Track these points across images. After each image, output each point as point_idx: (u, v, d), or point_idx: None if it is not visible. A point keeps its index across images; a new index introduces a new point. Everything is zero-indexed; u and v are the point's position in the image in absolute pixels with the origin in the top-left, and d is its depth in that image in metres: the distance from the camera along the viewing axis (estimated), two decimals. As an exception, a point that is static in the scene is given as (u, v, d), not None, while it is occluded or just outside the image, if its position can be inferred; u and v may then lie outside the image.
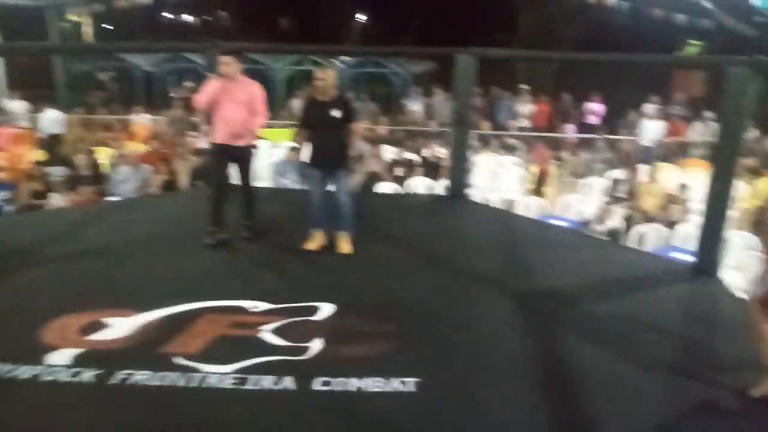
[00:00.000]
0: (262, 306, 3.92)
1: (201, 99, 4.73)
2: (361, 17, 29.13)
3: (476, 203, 6.79)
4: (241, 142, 4.76)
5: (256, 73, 17.17)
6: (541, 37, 18.71)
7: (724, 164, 4.48)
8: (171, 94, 15.43)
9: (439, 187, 7.97)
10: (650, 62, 8.28)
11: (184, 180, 8.48)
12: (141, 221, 5.68)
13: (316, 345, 3.46)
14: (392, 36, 26.24)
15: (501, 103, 12.55)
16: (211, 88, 4.68)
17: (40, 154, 8.63)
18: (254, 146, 4.92)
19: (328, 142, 4.68)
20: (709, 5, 12.46)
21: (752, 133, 9.75)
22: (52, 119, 11.16)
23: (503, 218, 6.26)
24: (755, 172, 8.10)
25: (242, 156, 4.83)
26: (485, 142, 10.41)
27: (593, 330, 3.76)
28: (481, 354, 3.46)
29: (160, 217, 5.86)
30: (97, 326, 3.60)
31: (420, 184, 8.29)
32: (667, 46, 15.07)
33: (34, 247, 4.90)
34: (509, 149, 10.32)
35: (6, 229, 5.59)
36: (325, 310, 3.89)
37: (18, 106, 11.90)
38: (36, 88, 16.54)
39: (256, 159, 5.10)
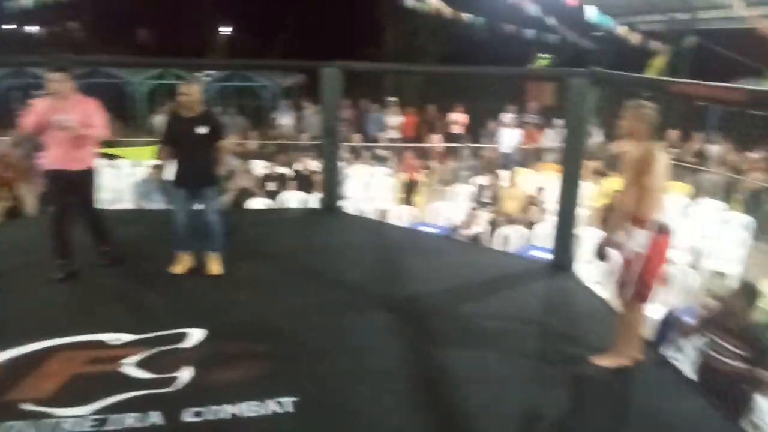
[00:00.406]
0: (124, 338, 3.67)
1: (27, 121, 4.29)
2: (226, 30, 28.47)
3: (350, 215, 6.84)
4: (77, 166, 4.37)
5: (113, 88, 16.25)
6: (407, 50, 19.39)
7: (571, 167, 4.87)
8: (15, 113, 14.07)
9: (313, 200, 7.94)
10: (502, 74, 8.84)
11: (30, 206, 7.74)
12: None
13: (185, 374, 3.29)
14: (259, 49, 25.91)
15: (370, 115, 12.80)
16: (39, 108, 4.26)
17: None
18: (93, 168, 4.51)
19: (194, 160, 4.47)
20: (553, 21, 13.55)
21: (597, 138, 10.73)
22: None
23: (376, 228, 6.36)
24: (601, 174, 8.91)
25: (81, 181, 4.44)
26: (357, 153, 10.55)
27: (464, 331, 3.92)
28: (357, 367, 3.47)
29: (3, 248, 5.29)
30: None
31: (293, 198, 8.21)
32: (521, 59, 16.20)
33: None
34: (380, 160, 10.53)
35: None
36: (195, 336, 3.72)
37: None
38: None
39: (98, 182, 4.63)
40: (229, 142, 4.89)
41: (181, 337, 3.70)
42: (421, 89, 16.73)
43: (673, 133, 10.80)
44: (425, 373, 3.45)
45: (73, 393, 3.08)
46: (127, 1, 16.36)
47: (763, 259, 7.72)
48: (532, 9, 12.58)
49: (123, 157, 9.58)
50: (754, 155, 9.66)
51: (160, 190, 4.78)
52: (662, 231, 3.29)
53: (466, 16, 14.29)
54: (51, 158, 4.36)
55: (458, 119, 12.65)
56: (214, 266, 4.67)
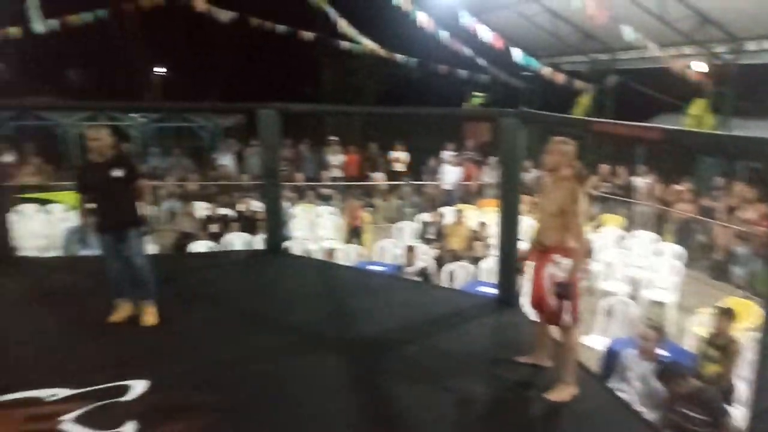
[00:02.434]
0: (62, 392, 3.48)
1: None
2: (160, 71, 28.13)
3: (295, 256, 6.80)
4: None
5: (44, 130, 15.70)
6: (344, 90, 19.72)
7: (509, 203, 5.03)
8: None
9: (258, 241, 7.86)
10: (439, 115, 9.07)
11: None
12: None
13: (128, 429, 3.14)
14: (197, 90, 25.70)
15: (310, 155, 12.88)
16: None
17: None
18: None
19: (113, 205, 4.36)
20: (484, 62, 14.13)
21: (533, 173, 11.15)
22: None
23: (323, 269, 6.34)
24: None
25: None
26: (301, 193, 10.55)
27: (413, 370, 3.92)
28: (307, 412, 3.41)
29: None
30: None
31: (237, 240, 8.10)
32: (456, 98, 16.76)
33: None
34: (324, 199, 10.56)
35: None
36: (137, 387, 3.57)
37: None
38: None
39: None
40: (146, 183, 4.75)
41: (122, 389, 3.54)
42: (361, 128, 16.99)
43: (604, 168, 11.35)
44: (374, 415, 3.42)
45: (7, 456, 2.90)
46: (56, 41, 15.93)
47: (696, 286, 8.15)
48: (464, 50, 13.10)
49: (55, 202, 9.23)
50: (679, 187, 10.26)
51: (90, 236, 4.60)
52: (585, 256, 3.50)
53: (400, 57, 14.71)
54: None
55: (399, 157, 12.90)
56: (149, 316, 4.48)
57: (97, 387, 3.54)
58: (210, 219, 8.70)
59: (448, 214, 9.15)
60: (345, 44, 14.35)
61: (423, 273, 7.12)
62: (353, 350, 4.20)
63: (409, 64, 15.03)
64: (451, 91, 16.93)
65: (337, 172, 12.51)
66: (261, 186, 6.92)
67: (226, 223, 8.61)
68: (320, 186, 11.48)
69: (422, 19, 11.57)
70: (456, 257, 7.64)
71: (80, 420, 3.21)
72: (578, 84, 13.51)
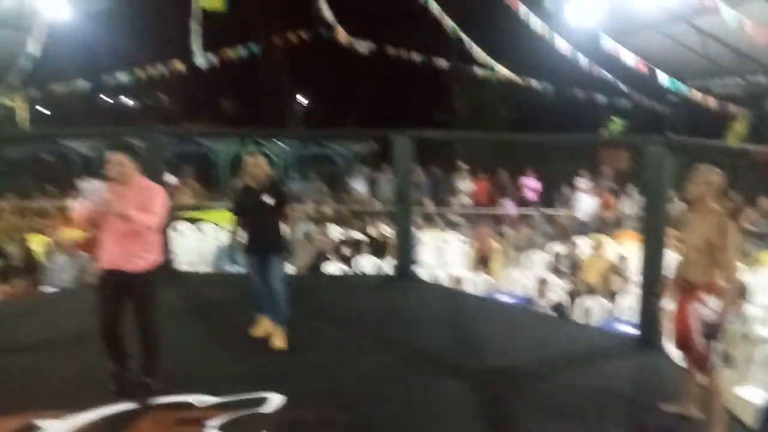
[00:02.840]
0: (208, 400, 3.76)
1: (81, 212, 3.65)
2: (302, 100, 29.90)
3: (423, 282, 6.85)
4: (134, 266, 3.67)
5: (199, 155, 17.27)
6: (477, 116, 19.67)
7: (652, 236, 4.73)
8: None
9: (387, 265, 8.02)
10: (575, 142, 8.76)
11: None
12: (78, 313, 5.41)
13: (266, 440, 3.33)
14: (334, 117, 26.98)
15: (439, 181, 12.97)
16: (96, 196, 3.58)
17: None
18: (153, 272, 3.77)
19: (261, 229, 4.66)
20: (625, 87, 13.48)
21: (680, 205, 10.35)
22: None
23: (450, 296, 6.33)
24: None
25: (137, 284, 3.69)
26: (430, 219, 10.63)
27: (544, 408, 3.78)
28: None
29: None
30: (29, 430, 3.35)
31: (367, 264, 8.32)
32: (592, 124, 16.11)
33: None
34: (453, 226, 10.56)
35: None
36: (274, 401, 3.76)
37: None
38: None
39: (156, 290, 3.86)
40: (294, 211, 5.01)
41: (260, 401, 3.75)
42: (492, 154, 16.84)
43: (764, 201, 10.29)
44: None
45: (162, 454, 3.17)
46: (212, 75, 17.70)
47: None
48: (604, 75, 12.59)
49: (207, 221, 10.05)
50: None
51: (237, 255, 4.95)
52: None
53: (534, 83, 14.46)
54: (105, 255, 3.71)
55: (531, 184, 12.59)
56: (278, 340, 4.62)
57: (238, 397, 3.78)
58: (343, 242, 9.02)
59: (583, 245, 8.75)
60: (479, 71, 14.39)
61: (556, 307, 6.85)
62: (482, 381, 4.14)
63: (545, 89, 14.73)
64: (588, 116, 16.32)
65: (466, 199, 12.48)
66: (392, 211, 7.10)
67: (357, 247, 8.89)
68: (449, 212, 11.50)
69: (560, 44, 11.31)
70: (591, 291, 7.26)
71: (223, 428, 3.44)
72: (732, 108, 12.42)
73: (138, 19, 18.88)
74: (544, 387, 4.07)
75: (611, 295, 7.11)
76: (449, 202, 12.22)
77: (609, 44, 10.75)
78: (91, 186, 3.62)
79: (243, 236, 4.76)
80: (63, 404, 3.61)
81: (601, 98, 14.95)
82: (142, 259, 3.69)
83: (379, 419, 3.60)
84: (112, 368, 3.76)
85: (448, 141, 15.57)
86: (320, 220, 10.55)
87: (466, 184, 12.61)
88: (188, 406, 3.70)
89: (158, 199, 3.71)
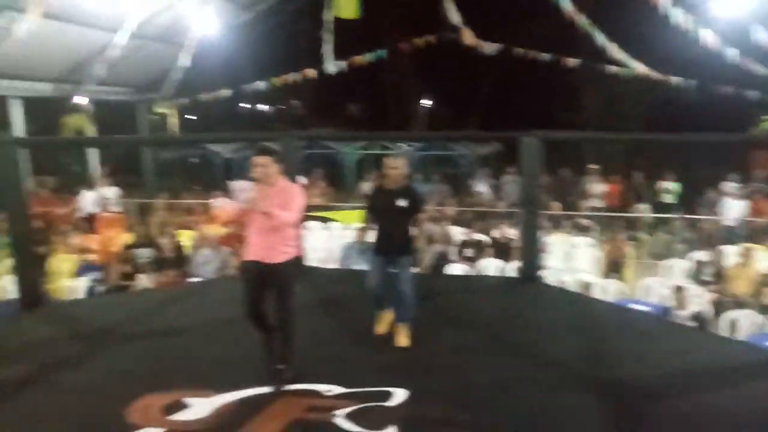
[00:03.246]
0: (336, 390, 3.92)
1: (231, 210, 4.26)
2: (426, 102, 30.15)
3: (550, 286, 6.64)
4: (275, 258, 4.00)
5: (327, 157, 18.03)
6: (609, 116, 18.71)
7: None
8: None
9: (511, 268, 7.87)
10: (723, 141, 8.03)
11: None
12: (221, 302, 5.88)
13: (391, 432, 3.40)
14: (457, 119, 26.94)
15: (570, 184, 12.49)
16: (244, 195, 4.11)
17: (128, 237, 9.18)
18: (293, 262, 4.10)
19: (393, 231, 4.71)
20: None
21: None
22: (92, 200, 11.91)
23: (579, 302, 6.08)
24: None
25: (277, 274, 4.01)
26: (557, 223, 10.28)
27: (678, 426, 3.52)
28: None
29: (238, 298, 6.03)
30: (179, 406, 3.70)
31: (491, 266, 8.22)
32: (740, 123, 14.72)
33: (122, 327, 5.17)
34: (582, 230, 10.13)
35: (96, 309, 5.92)
36: (399, 395, 3.84)
37: (110, 192, 12.83)
38: (126, 174, 17.89)
39: (296, 278, 4.19)
40: (425, 214, 4.99)
41: (386, 395, 3.85)
42: (625, 156, 15.93)
43: None
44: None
45: (293, 437, 3.36)
46: (340, 80, 18.46)
47: None
48: (757, 69, 11.46)
49: (334, 221, 10.45)
50: None
51: (362, 253, 5.07)
52: None
53: (675, 80, 13.47)
54: (251, 249, 4.07)
55: (669, 187, 11.77)
56: (402, 338, 4.69)
57: (364, 389, 3.91)
58: (465, 243, 8.98)
59: (731, 253, 8.02)
60: (612, 68, 13.68)
61: (697, 318, 6.34)
62: (613, 393, 3.93)
63: (686, 86, 13.68)
64: (736, 115, 14.93)
65: (596, 202, 11.92)
66: (517, 213, 6.95)
67: (480, 249, 8.81)
68: (578, 216, 11.04)
69: (706, 37, 10.47)
70: (739, 304, 6.64)
71: (350, 417, 3.58)
72: None
73: (274, 32, 20.05)
74: (680, 403, 3.79)
75: (763, 308, 6.47)
76: (579, 205, 11.71)
77: (762, 35, 9.80)
78: (240, 186, 3.92)
79: (372, 236, 4.85)
80: (207, 384, 3.94)
81: (752, 95, 13.60)
82: (282, 252, 4.01)
83: (503, 422, 3.55)
84: (272, 368, 4.09)
85: (578, 142, 14.99)
86: (442, 221, 10.58)
87: (597, 186, 12.04)
88: (317, 394, 3.88)
89: (297, 198, 4.04)
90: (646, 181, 12.55)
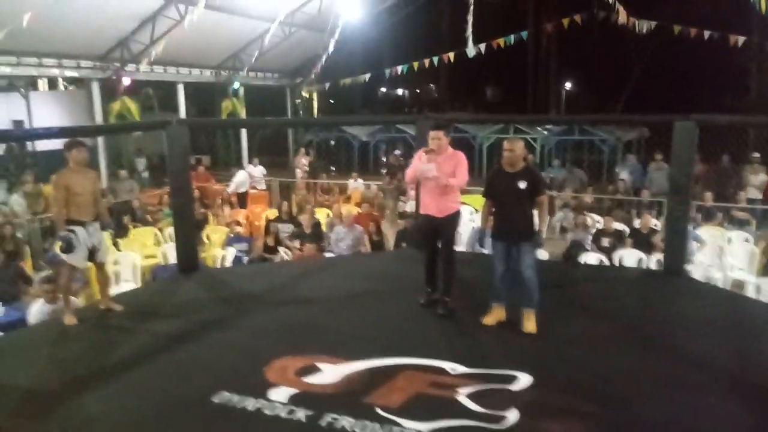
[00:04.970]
0: (460, 369, 3.97)
1: (408, 174, 4.99)
2: (567, 84, 28.88)
3: (696, 281, 6.17)
4: (443, 214, 4.83)
5: (461, 141, 17.96)
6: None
7: None
8: (388, 162, 16.73)
9: (652, 261, 7.40)
10: None
11: (391, 241, 9.02)
12: (353, 277, 6.17)
13: (512, 416, 3.39)
14: (599, 103, 25.53)
15: (728, 173, 11.41)
16: (418, 163, 4.81)
17: (272, 213, 9.86)
18: (455, 215, 4.90)
19: (512, 214, 4.59)
20: None
21: None
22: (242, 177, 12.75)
23: (730, 300, 5.59)
24: None
25: (444, 226, 4.87)
26: (709, 214, 9.47)
27: None
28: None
29: (369, 274, 6.30)
30: (311, 370, 3.96)
31: (629, 257, 7.78)
32: None
33: (264, 295, 5.60)
34: (738, 223, 9.25)
35: (242, 277, 6.44)
36: (522, 380, 3.81)
37: (257, 170, 13.82)
38: (272, 155, 19.12)
39: (458, 227, 5.15)
40: (546, 198, 4.83)
41: (510, 378, 3.83)
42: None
43: None
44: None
45: (416, 409, 3.45)
46: (477, 63, 18.14)
47: None
48: None
49: (465, 204, 10.44)
50: None
51: (485, 238, 5.00)
52: None
53: None
54: (424, 206, 4.99)
55: None
56: (529, 323, 4.61)
57: (488, 371, 3.92)
58: (602, 232, 8.56)
59: None
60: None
61: None
62: (759, 398, 3.59)
63: None
64: None
65: (755, 193, 10.78)
66: (664, 203, 6.51)
67: (618, 238, 8.35)
68: (734, 208, 10.07)
69: None
70: None
71: (472, 396, 3.61)
72: None
73: (414, 17, 20.23)
74: None
75: None
76: (736, 197, 10.68)
77: None
78: (419, 157, 4.84)
79: (493, 220, 4.77)
80: (338, 352, 4.17)
81: None
82: (449, 209, 4.84)
83: (632, 418, 3.39)
84: (425, 289, 5.14)
85: (742, 128, 13.59)
86: (579, 208, 10.16)
87: (758, 177, 10.89)
88: (442, 371, 3.95)
89: (464, 163, 4.82)
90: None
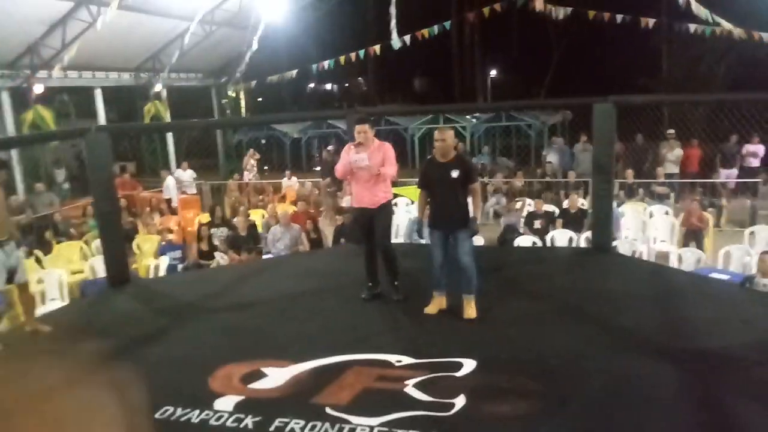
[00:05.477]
0: (406, 360, 4.00)
1: (339, 169, 5.06)
2: (492, 72, 29.53)
3: (623, 256, 6.46)
4: (377, 204, 4.96)
5: (393, 133, 18.04)
6: (688, 78, 17.73)
7: None
8: (321, 158, 16.57)
9: (582, 239, 7.70)
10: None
11: (329, 238, 8.97)
12: (293, 277, 6.10)
13: (459, 401, 3.45)
14: (524, 88, 26.28)
15: (645, 150, 11.98)
16: (347, 157, 4.96)
17: (205, 217, 9.60)
18: (388, 204, 5.08)
19: (447, 203, 4.66)
20: None
21: None
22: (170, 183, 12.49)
23: (654, 272, 5.89)
24: None
25: (379, 216, 4.99)
26: (630, 191, 9.93)
27: (764, 395, 3.38)
28: (633, 419, 3.24)
29: (309, 273, 6.24)
30: (257, 375, 3.88)
31: (561, 237, 8.06)
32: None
33: (202, 303, 5.44)
34: (658, 198, 9.75)
35: (177, 286, 6.25)
36: (467, 365, 3.88)
37: (186, 174, 13.42)
38: (201, 157, 18.59)
39: (393, 216, 5.32)
40: (479, 185, 4.94)
41: (455, 366, 3.89)
42: (707, 120, 15.08)
43: None
44: (718, 436, 3.07)
45: (365, 404, 3.46)
46: (403, 55, 18.33)
47: None
48: None
49: (400, 196, 10.51)
50: None
51: (422, 229, 5.07)
52: None
53: (766, 36, 12.55)
54: (356, 199, 5.09)
55: (756, 151, 11.09)
56: (469, 309, 4.69)
57: (433, 360, 3.97)
58: (534, 215, 8.83)
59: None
60: (693, 27, 12.91)
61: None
62: (691, 363, 3.80)
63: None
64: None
65: (673, 168, 11.39)
66: (589, 183, 6.76)
67: (549, 220, 8.64)
68: (654, 183, 10.61)
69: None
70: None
71: (420, 386, 3.64)
72: None
73: (337, 11, 20.13)
74: (763, 372, 3.63)
75: None
76: (654, 173, 11.26)
77: None
78: (347, 150, 4.99)
79: (428, 210, 4.84)
80: (283, 355, 4.12)
81: None
82: (381, 199, 4.97)
83: (575, 392, 3.52)
84: (367, 284, 5.22)
85: (654, 106, 14.32)
86: (510, 193, 10.43)
87: (673, 153, 11.50)
88: (388, 364, 3.97)
89: (390, 153, 4.96)
90: (731, 145, 11.88)
